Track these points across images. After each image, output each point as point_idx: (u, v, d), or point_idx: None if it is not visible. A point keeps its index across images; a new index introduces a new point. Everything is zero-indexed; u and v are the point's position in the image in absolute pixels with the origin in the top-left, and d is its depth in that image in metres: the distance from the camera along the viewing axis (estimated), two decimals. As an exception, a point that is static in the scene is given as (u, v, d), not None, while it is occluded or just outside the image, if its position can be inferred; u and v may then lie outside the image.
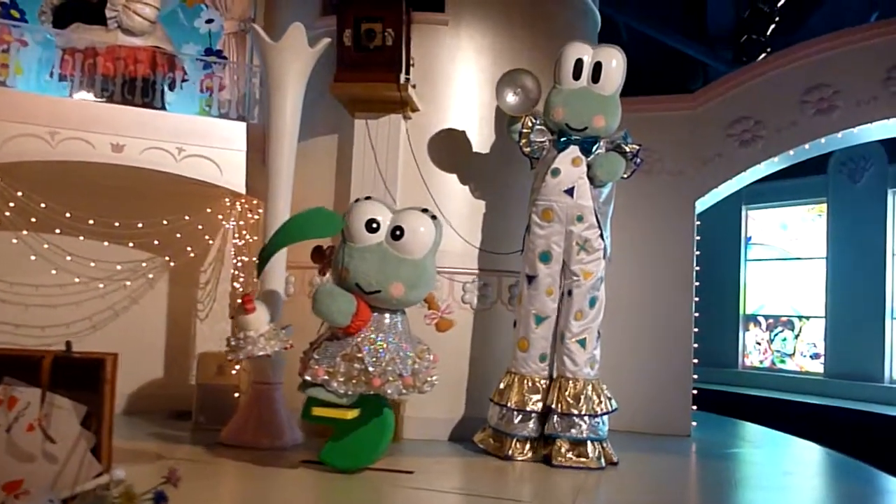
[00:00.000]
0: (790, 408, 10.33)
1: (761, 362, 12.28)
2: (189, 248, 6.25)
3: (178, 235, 6.14)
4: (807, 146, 6.55)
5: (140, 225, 5.90)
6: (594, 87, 5.39)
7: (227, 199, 6.26)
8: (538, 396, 5.33)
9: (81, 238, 6.03)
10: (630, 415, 6.56)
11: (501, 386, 5.40)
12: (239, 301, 4.69)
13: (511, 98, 5.49)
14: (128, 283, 6.29)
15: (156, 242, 6.09)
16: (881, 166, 11.00)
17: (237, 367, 5.70)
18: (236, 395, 5.74)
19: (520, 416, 5.30)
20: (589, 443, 5.25)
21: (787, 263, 12.14)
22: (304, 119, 6.26)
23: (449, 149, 6.08)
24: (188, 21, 6.44)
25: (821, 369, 11.29)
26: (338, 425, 4.49)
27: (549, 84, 5.49)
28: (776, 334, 12.16)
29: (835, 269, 11.15)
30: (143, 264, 6.30)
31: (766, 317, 12.32)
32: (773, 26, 13.28)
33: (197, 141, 5.66)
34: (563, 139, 5.43)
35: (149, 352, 6.45)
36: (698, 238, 6.82)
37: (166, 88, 5.92)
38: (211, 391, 5.75)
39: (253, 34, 5.58)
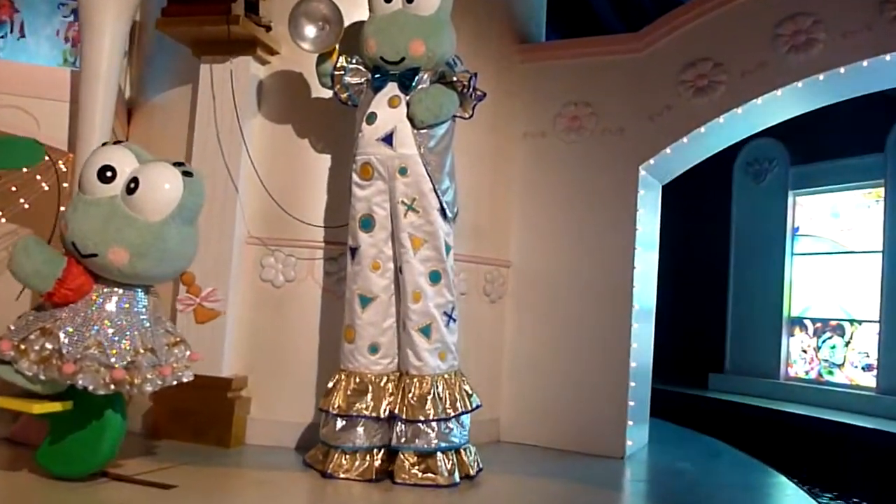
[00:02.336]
0: (834, 429, 8.64)
1: (807, 373, 10.48)
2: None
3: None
4: (778, 93, 5.10)
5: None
6: (409, 8, 4.25)
7: (46, 157, 5.44)
8: (369, 398, 4.23)
9: None
10: (553, 428, 5.40)
11: (329, 386, 4.34)
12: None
13: (311, 31, 4.41)
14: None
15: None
16: (953, 141, 9.11)
17: None
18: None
19: (343, 424, 4.22)
20: (439, 454, 4.13)
21: (838, 258, 10.31)
22: (159, 65, 5.45)
23: (317, 104, 5.05)
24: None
25: (873, 383, 9.44)
26: (53, 421, 3.59)
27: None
28: (824, 341, 10.35)
29: (892, 264, 9.30)
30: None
31: (814, 320, 10.51)
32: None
33: (8, 90, 4.89)
34: (378, 76, 4.32)
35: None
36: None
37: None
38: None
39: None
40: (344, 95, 4.46)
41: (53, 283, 3.36)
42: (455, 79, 4.22)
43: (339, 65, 4.43)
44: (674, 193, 12.11)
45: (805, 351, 10.57)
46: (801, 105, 5.44)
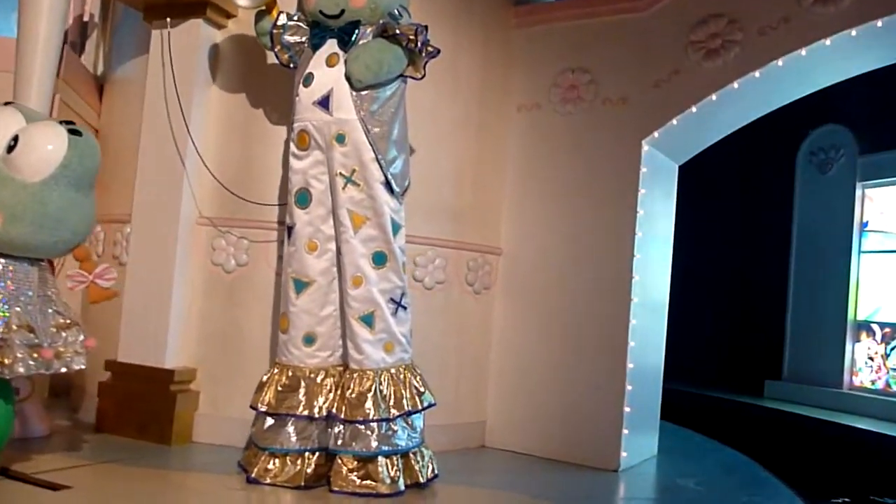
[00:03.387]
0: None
1: (873, 383, 9.44)
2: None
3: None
4: (802, 52, 4.36)
5: None
6: None
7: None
8: (301, 394, 3.74)
9: None
10: (543, 435, 4.82)
11: (262, 380, 3.88)
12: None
13: None
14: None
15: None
16: None
17: None
18: None
19: (271, 423, 3.76)
20: (381, 459, 3.63)
21: (910, 256, 9.26)
22: (125, 37, 5.13)
23: (277, 71, 4.59)
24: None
25: (948, 397, 8.40)
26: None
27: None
28: (893, 348, 9.28)
29: (972, 262, 8.25)
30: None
31: (882, 324, 9.46)
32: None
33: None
34: (316, 32, 3.83)
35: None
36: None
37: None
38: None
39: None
40: (285, 57, 4.00)
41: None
42: (398, 31, 3.68)
43: (279, 23, 3.97)
44: (730, 185, 11.31)
45: (871, 358, 9.54)
46: (831, 69, 4.66)
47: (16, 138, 3.09)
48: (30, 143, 3.07)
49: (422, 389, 3.83)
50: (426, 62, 3.81)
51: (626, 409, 4.64)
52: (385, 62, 3.68)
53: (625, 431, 4.62)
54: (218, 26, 4.61)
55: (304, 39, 3.93)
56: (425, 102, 4.61)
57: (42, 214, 3.07)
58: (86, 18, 5.51)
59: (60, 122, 3.18)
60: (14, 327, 3.04)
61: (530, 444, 4.88)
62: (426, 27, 3.75)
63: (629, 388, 4.65)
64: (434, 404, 3.88)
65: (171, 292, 4.40)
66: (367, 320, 3.74)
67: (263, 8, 4.01)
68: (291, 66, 4.00)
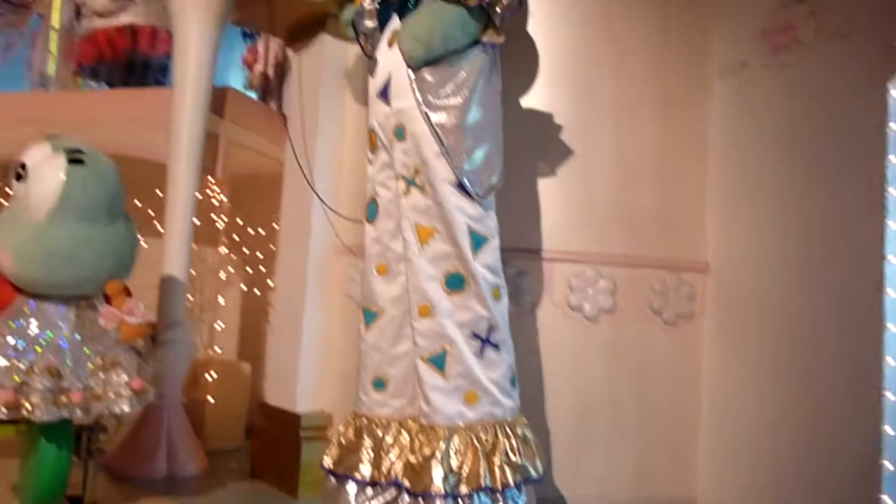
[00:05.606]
0: None
1: None
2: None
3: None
4: None
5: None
6: None
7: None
8: (364, 452, 3.04)
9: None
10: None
11: (340, 429, 3.24)
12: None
13: None
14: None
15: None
16: None
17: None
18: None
19: (333, 484, 3.09)
20: (456, 548, 2.77)
21: None
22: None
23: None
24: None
25: None
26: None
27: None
28: None
29: None
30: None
31: None
32: None
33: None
34: (383, 9, 3.12)
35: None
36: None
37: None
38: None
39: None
40: (369, 48, 3.39)
41: (-30, 294, 3.07)
42: (464, -10, 2.86)
43: (362, 8, 3.40)
44: None
45: None
46: None
47: (23, 165, 3.00)
48: (32, 176, 2.99)
49: (518, 458, 2.84)
50: (502, 20, 2.91)
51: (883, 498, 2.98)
52: (438, 29, 2.89)
53: (885, 528, 2.97)
54: (345, 39, 4.22)
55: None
56: (578, 76, 3.68)
57: (49, 253, 2.94)
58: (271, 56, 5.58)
59: (67, 150, 3.01)
60: (36, 371, 2.91)
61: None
62: (495, -22, 2.87)
63: (885, 462, 2.99)
64: (538, 478, 2.89)
65: (300, 327, 4.05)
66: (437, 362, 2.91)
67: (344, -6, 3.49)
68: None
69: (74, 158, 2.97)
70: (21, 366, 2.90)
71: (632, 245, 3.73)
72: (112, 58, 5.24)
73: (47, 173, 2.95)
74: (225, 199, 4.98)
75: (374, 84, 3.13)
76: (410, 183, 2.97)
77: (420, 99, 2.92)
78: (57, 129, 4.65)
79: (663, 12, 3.85)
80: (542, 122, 3.72)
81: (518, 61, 3.70)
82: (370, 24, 3.28)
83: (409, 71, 2.95)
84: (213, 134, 4.69)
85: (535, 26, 3.75)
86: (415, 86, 2.94)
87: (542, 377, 3.60)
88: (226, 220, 5.05)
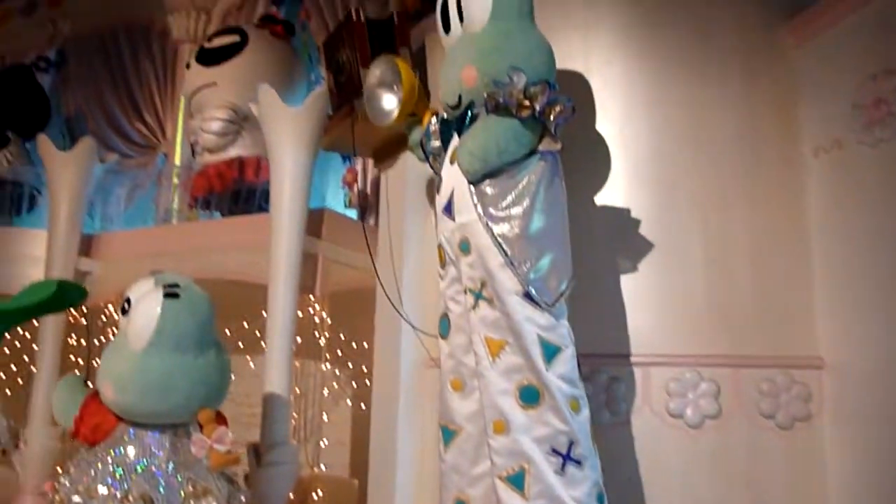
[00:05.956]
0: None
1: None
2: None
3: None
4: None
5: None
6: (465, 28, 3.08)
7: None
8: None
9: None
10: None
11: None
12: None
13: (392, 101, 3.44)
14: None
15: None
16: None
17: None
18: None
19: None
20: None
21: None
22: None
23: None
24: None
25: None
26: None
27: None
28: None
29: None
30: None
31: None
32: None
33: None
34: (445, 129, 3.18)
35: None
36: None
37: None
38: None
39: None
40: (437, 167, 3.46)
41: (72, 420, 3.27)
42: (501, 100, 2.86)
43: (426, 128, 3.49)
44: None
45: None
46: None
47: (129, 300, 3.20)
48: (134, 310, 3.18)
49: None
50: (557, 126, 2.89)
51: None
52: (492, 143, 2.89)
53: None
54: (430, 155, 4.33)
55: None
56: (660, 172, 3.58)
57: (145, 384, 3.09)
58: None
59: (165, 285, 3.19)
60: (131, 499, 3.01)
61: None
62: (548, 83, 2.87)
63: None
64: None
65: (395, 443, 4.00)
66: (516, 481, 2.76)
67: (413, 116, 3.58)
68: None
69: (170, 293, 3.16)
70: (118, 493, 3.01)
71: (732, 343, 3.46)
72: (222, 189, 5.62)
73: (146, 307, 3.15)
74: (326, 316, 5.10)
75: (440, 200, 3.16)
76: (478, 296, 2.93)
77: (481, 212, 2.91)
78: (175, 259, 5.02)
79: (746, 99, 3.70)
80: (624, 221, 3.60)
81: (594, 160, 3.65)
82: (435, 143, 3.35)
83: (470, 185, 2.96)
84: (311, 254, 4.86)
85: (610, 122, 3.70)
86: (476, 199, 2.94)
87: (644, 492, 3.34)
88: (328, 336, 5.16)
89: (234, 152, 5.72)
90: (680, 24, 3.75)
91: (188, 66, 6.04)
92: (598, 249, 3.54)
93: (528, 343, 2.81)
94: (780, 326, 3.51)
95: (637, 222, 3.59)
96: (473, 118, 3.05)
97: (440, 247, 3.18)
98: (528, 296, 2.84)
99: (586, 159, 3.68)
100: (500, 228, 2.88)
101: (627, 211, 3.61)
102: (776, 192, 3.64)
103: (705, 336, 3.45)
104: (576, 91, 3.72)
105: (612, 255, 3.54)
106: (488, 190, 2.93)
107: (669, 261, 3.53)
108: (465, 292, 2.99)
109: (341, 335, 5.34)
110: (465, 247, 2.99)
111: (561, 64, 3.83)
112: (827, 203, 3.54)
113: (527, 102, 2.84)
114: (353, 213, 5.92)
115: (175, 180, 6.38)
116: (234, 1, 6.93)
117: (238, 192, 5.62)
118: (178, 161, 6.63)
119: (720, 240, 3.57)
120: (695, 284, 3.52)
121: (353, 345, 5.48)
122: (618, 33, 3.80)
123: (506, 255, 2.86)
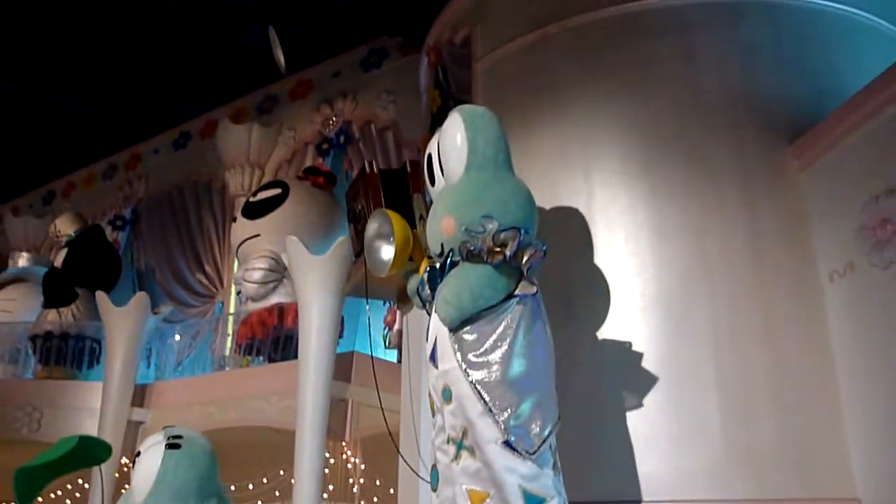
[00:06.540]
0: None
1: None
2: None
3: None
4: None
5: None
6: (446, 180, 3.17)
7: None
8: None
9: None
10: None
11: None
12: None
13: (389, 252, 3.50)
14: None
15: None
16: None
17: None
18: None
19: None
20: None
21: None
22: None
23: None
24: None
25: None
26: None
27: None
28: None
29: None
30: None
31: None
32: None
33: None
34: (432, 277, 3.17)
35: None
36: None
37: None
38: None
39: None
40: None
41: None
42: (472, 248, 2.88)
43: (423, 278, 3.52)
44: None
45: None
46: None
47: (138, 453, 3.26)
48: (138, 464, 3.20)
49: None
50: (530, 270, 2.87)
51: None
52: (466, 291, 2.89)
53: None
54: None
55: (435, 291, 3.40)
56: (670, 304, 3.47)
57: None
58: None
59: (169, 437, 3.23)
60: None
61: None
62: (518, 229, 2.88)
63: None
64: None
65: None
66: None
67: (410, 265, 3.64)
68: None
69: (171, 444, 3.20)
70: None
71: (756, 487, 3.21)
72: (263, 336, 5.78)
73: (148, 459, 3.19)
74: (358, 462, 5.03)
75: (426, 348, 3.14)
76: (459, 446, 2.84)
77: (460, 358, 2.88)
78: (219, 407, 5.10)
79: (752, 226, 3.60)
80: (632, 357, 3.48)
81: (599, 296, 3.59)
82: (427, 291, 3.37)
83: (450, 333, 2.94)
84: (341, 399, 4.87)
85: (616, 257, 3.65)
86: (455, 346, 2.91)
87: None
88: (363, 482, 5.07)
89: (275, 300, 5.92)
90: (678, 155, 3.75)
91: (234, 219, 6.39)
92: (605, 387, 3.42)
93: (510, 494, 2.68)
94: (809, 468, 3.24)
95: (646, 357, 3.46)
96: (453, 265, 3.07)
97: (429, 394, 3.14)
98: (507, 444, 2.73)
99: (591, 295, 3.63)
100: (478, 375, 2.83)
101: (635, 347, 3.49)
102: (793, 318, 3.47)
103: (723, 480, 3.21)
104: (579, 228, 3.74)
105: (619, 392, 3.40)
106: (467, 336, 2.91)
107: (682, 398, 3.36)
108: (448, 442, 2.91)
109: (377, 481, 5.23)
110: (446, 394, 2.94)
111: (565, 202, 3.88)
112: (847, 329, 3.34)
113: (497, 249, 2.85)
114: (392, 354, 5.95)
115: (230, 328, 6.60)
116: (285, 155, 7.37)
117: (278, 338, 5.75)
118: (231, 309, 6.89)
119: (736, 373, 3.39)
120: (711, 422, 3.31)
121: (391, 490, 5.34)
122: (616, 168, 3.81)
123: (484, 402, 2.79)
